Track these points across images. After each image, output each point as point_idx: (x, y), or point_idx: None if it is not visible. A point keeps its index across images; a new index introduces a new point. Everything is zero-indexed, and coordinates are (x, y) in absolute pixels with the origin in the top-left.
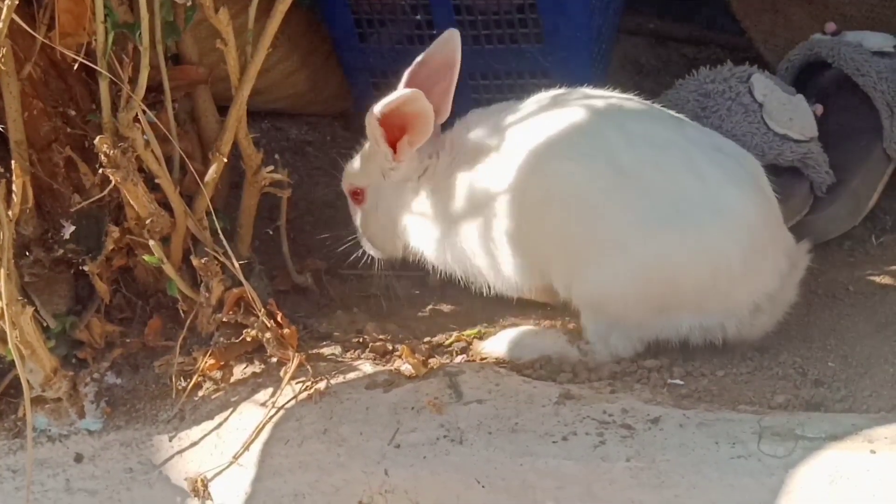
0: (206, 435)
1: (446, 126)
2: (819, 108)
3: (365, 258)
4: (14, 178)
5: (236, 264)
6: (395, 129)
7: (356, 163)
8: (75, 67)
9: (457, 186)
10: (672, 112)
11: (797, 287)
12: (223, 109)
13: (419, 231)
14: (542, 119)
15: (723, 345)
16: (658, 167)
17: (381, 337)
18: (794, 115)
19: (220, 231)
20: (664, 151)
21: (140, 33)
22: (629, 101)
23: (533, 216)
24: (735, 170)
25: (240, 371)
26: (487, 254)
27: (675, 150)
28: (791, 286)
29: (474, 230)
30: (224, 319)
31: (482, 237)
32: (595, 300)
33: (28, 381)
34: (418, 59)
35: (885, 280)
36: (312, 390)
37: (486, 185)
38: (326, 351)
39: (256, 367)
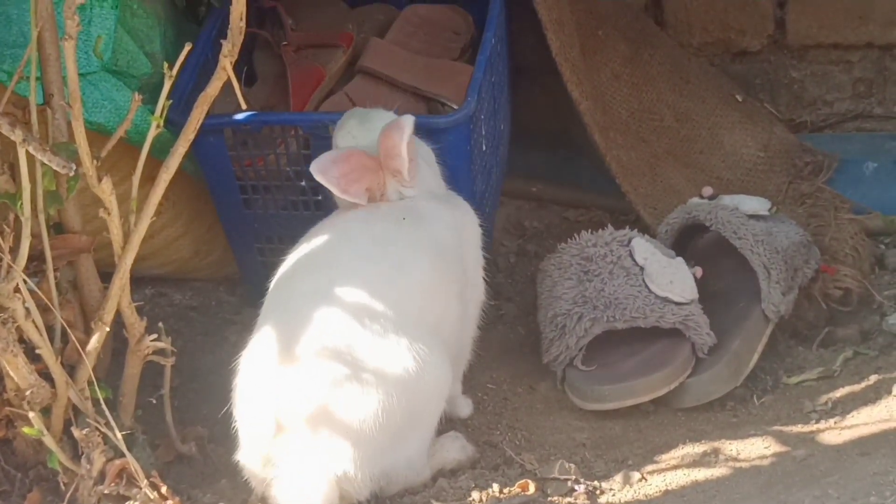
0: None
1: None
2: (699, 271)
3: None
4: None
5: (118, 435)
6: None
7: None
8: None
9: None
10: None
11: None
12: (106, 276)
13: None
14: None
15: None
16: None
17: None
18: (674, 278)
19: (102, 401)
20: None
21: (22, 203)
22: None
23: None
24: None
25: None
26: None
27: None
28: None
29: None
30: (106, 492)
31: None
32: None
33: None
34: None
35: (768, 440)
36: None
37: None
38: None
39: None
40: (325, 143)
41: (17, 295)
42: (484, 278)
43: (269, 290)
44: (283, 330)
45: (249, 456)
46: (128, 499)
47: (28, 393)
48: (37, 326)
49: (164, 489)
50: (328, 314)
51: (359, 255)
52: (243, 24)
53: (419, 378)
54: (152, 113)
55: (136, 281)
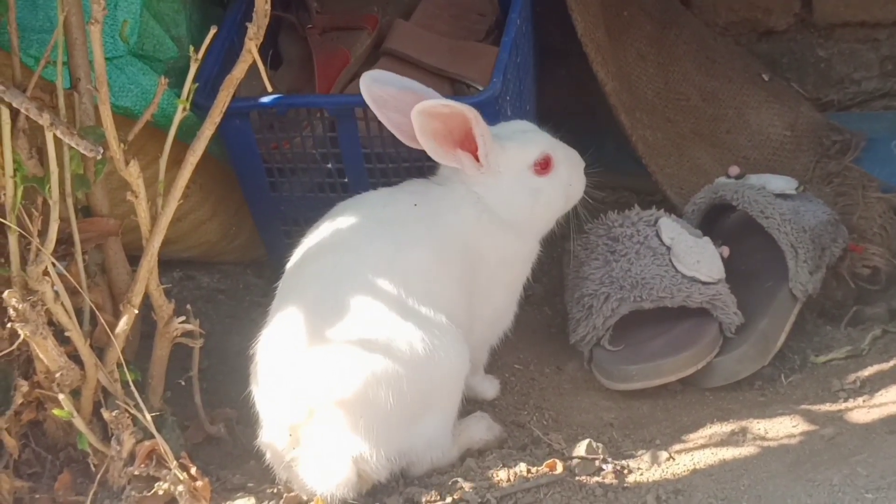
0: None
1: None
2: (725, 251)
3: None
4: None
5: (148, 416)
6: None
7: None
8: None
9: None
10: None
11: None
12: (134, 259)
13: None
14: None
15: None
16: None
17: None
18: (701, 258)
19: (131, 383)
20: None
21: (50, 187)
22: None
23: None
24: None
25: None
26: None
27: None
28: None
29: None
30: (136, 473)
31: None
32: None
33: None
34: None
35: (796, 419)
36: None
37: None
38: (240, 503)
39: None
40: (351, 125)
41: (46, 278)
42: None
43: (284, 274)
44: (294, 314)
45: (270, 439)
46: (157, 480)
47: (58, 375)
48: (66, 309)
49: (193, 470)
50: (335, 296)
51: (362, 236)
52: (268, 7)
53: (429, 358)
54: (178, 96)
55: (164, 264)
